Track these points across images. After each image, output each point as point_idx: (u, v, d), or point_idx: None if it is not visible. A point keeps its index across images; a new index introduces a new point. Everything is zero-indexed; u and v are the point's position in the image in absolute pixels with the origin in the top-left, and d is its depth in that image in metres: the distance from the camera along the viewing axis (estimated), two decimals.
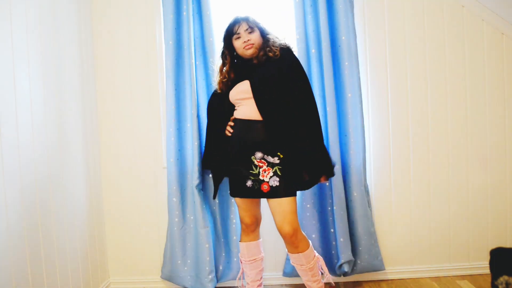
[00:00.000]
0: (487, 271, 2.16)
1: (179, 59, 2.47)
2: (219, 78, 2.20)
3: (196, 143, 2.44)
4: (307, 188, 2.12)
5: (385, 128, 2.57)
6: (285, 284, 2.59)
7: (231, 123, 2.17)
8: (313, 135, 2.05)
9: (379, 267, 2.50)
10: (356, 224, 2.47)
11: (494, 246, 2.18)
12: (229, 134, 2.15)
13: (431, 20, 2.53)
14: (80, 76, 2.40)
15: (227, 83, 2.17)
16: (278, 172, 2.00)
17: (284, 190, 1.99)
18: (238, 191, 2.09)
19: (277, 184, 1.99)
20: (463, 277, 2.55)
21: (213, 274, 2.47)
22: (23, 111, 1.81)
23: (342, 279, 2.56)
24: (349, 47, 2.41)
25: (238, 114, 2.12)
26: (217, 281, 2.53)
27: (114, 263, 2.66)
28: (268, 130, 2.02)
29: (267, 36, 2.10)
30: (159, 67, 2.58)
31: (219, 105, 2.25)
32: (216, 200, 2.54)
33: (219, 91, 2.22)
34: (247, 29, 2.06)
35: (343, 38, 2.41)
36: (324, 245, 2.51)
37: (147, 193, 2.62)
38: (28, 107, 1.84)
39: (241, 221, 2.20)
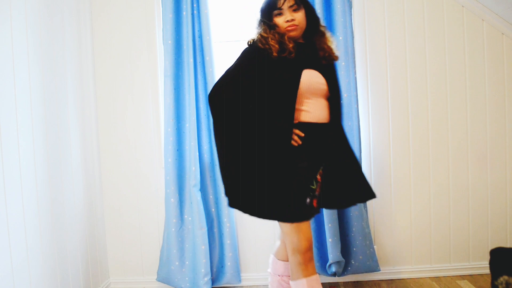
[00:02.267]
0: (487, 271, 2.17)
1: (178, 59, 2.47)
2: (270, 37, 1.70)
3: (193, 143, 2.44)
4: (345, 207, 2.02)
5: (385, 128, 2.56)
6: None
7: (298, 132, 1.68)
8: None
9: (374, 268, 2.49)
10: (351, 225, 2.46)
11: (494, 246, 2.18)
12: (296, 144, 1.68)
13: (431, 20, 2.53)
14: (79, 75, 2.40)
15: (289, 49, 1.68)
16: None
17: (326, 203, 1.81)
18: (303, 212, 1.66)
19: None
20: (463, 277, 2.54)
21: (209, 276, 2.45)
22: (23, 111, 1.81)
23: (342, 279, 2.55)
24: (346, 47, 2.41)
25: (308, 116, 1.70)
26: (212, 283, 2.52)
27: (114, 263, 2.66)
28: (335, 134, 1.77)
29: (323, 28, 1.82)
30: (158, 66, 2.58)
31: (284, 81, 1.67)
32: (213, 203, 2.53)
33: (274, 54, 1.67)
34: (292, 6, 1.70)
35: (340, 38, 2.40)
36: (319, 245, 2.51)
37: (147, 193, 2.62)
38: (28, 106, 1.84)
39: (298, 251, 1.65)
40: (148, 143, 2.60)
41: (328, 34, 1.83)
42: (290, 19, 1.68)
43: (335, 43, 1.86)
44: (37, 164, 1.90)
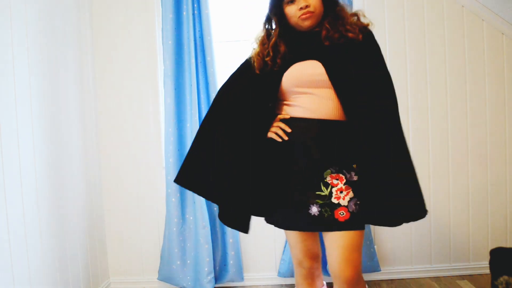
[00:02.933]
0: (487, 271, 2.16)
1: (179, 59, 2.47)
2: (257, 52, 1.56)
3: None
4: (391, 225, 1.48)
5: None
6: (280, 284, 2.59)
7: (284, 126, 1.50)
8: (399, 150, 1.45)
9: (375, 268, 2.50)
10: None
11: (494, 246, 2.18)
12: (279, 139, 1.50)
13: (431, 20, 2.53)
14: (80, 75, 2.39)
15: (274, 61, 1.51)
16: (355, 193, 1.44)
17: (364, 218, 1.43)
18: (295, 222, 1.49)
19: (355, 209, 1.42)
20: (463, 277, 2.54)
21: (212, 275, 2.46)
22: (23, 111, 1.81)
23: None
24: None
25: (300, 111, 1.49)
26: (215, 282, 2.52)
27: (114, 263, 2.66)
28: (353, 134, 1.43)
29: (339, 9, 1.51)
30: (159, 66, 2.58)
31: (245, 92, 1.57)
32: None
33: (256, 72, 1.55)
34: None
35: None
36: (323, 245, 2.51)
37: (147, 193, 2.62)
38: (28, 106, 1.84)
39: (298, 264, 1.61)
40: (148, 143, 2.60)
41: (347, 13, 1.52)
42: (303, 6, 1.44)
43: (362, 20, 1.55)
44: (37, 164, 1.90)
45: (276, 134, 1.50)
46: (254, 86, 1.56)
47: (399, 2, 2.53)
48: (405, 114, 2.56)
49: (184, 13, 2.44)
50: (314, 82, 1.45)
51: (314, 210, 1.43)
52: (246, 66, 1.61)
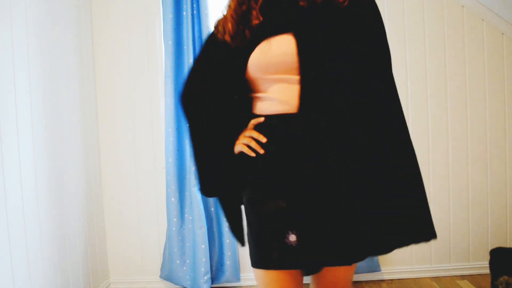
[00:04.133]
0: (487, 271, 2.17)
1: (179, 59, 2.48)
2: (226, 15, 1.17)
3: None
4: (385, 252, 1.16)
5: None
6: None
7: (257, 135, 1.11)
8: (401, 150, 1.19)
9: (375, 268, 2.50)
10: None
11: (494, 246, 2.18)
12: (253, 154, 1.11)
13: (431, 20, 2.53)
14: (80, 75, 2.40)
15: (245, 32, 1.10)
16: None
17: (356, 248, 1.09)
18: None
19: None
20: (463, 277, 2.54)
21: (208, 275, 2.47)
22: (23, 111, 1.81)
23: None
24: None
25: (272, 106, 1.10)
26: (212, 282, 2.52)
27: (114, 263, 2.66)
28: (335, 134, 1.06)
29: None
30: (159, 66, 2.58)
31: (215, 80, 1.17)
32: (213, 202, 2.53)
33: (226, 39, 1.13)
34: None
35: None
36: None
37: (147, 193, 2.62)
38: (28, 105, 1.84)
39: None
40: (148, 143, 2.61)
41: None
42: None
43: None
44: (37, 164, 1.90)
45: (249, 146, 1.11)
46: (218, 71, 1.15)
47: (399, 2, 2.53)
48: (405, 114, 2.55)
49: (184, 13, 2.44)
50: (285, 64, 1.06)
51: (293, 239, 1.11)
52: (210, 42, 1.22)
